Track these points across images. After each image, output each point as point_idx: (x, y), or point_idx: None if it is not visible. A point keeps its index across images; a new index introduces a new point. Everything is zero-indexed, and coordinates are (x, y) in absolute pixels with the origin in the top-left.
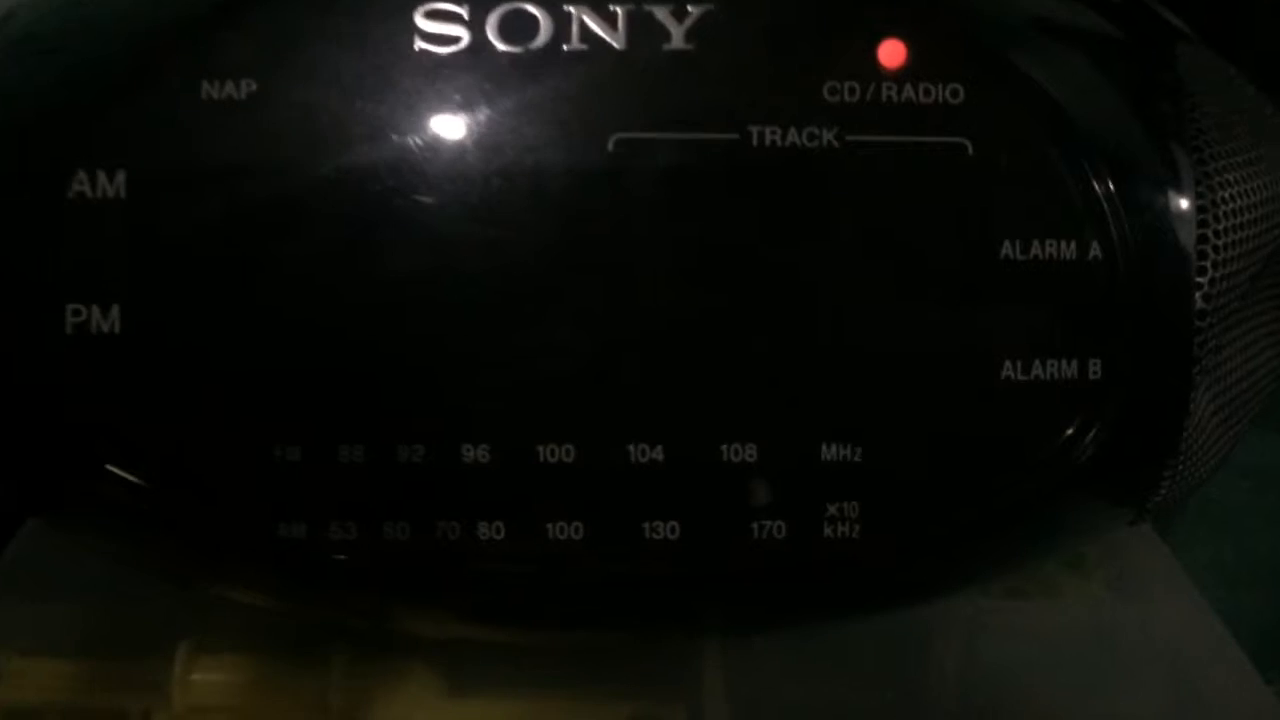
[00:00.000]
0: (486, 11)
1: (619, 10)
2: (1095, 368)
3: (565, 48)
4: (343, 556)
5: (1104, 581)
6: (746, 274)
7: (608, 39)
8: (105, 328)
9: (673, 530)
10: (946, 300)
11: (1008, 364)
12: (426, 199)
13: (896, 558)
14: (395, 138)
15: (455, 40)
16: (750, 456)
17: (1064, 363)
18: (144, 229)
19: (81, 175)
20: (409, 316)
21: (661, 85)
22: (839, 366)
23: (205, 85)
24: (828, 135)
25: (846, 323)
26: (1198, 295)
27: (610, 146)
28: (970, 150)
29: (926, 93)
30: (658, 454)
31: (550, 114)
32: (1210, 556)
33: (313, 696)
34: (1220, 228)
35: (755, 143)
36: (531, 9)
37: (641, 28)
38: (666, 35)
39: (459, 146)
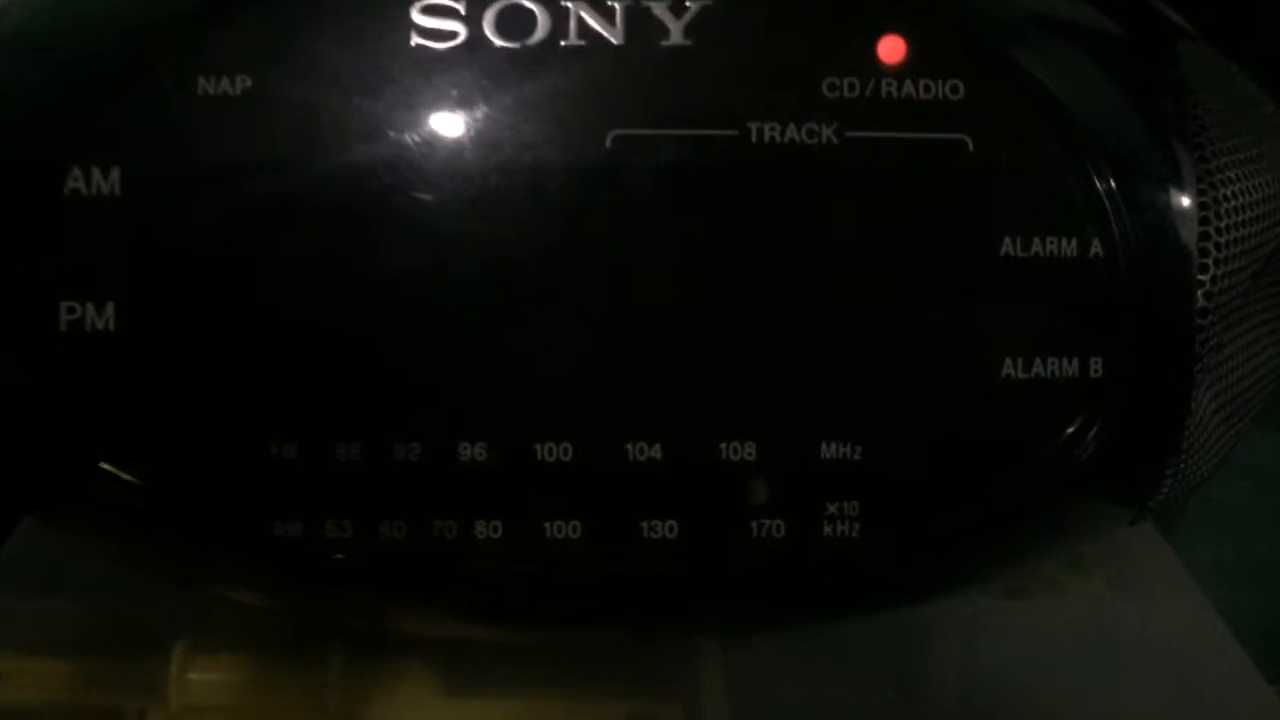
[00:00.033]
0: (484, 7)
1: (617, 6)
2: (1096, 366)
3: (563, 43)
4: (339, 555)
5: (1105, 580)
6: (745, 271)
7: (605, 34)
8: (100, 325)
9: (671, 529)
10: (947, 298)
11: (1008, 362)
12: (423, 196)
13: (897, 557)
14: (392, 134)
15: (452, 36)
16: (749, 455)
17: (1065, 361)
18: (139, 226)
19: (76, 172)
20: (405, 314)
21: (660, 81)
22: (838, 364)
23: (201, 81)
24: (827, 132)
25: (846, 320)
26: (1199, 293)
27: (608, 143)
28: (971, 147)
29: (927, 89)
30: (656, 452)
31: (548, 110)
32: (1211, 556)
33: (309, 696)
34: (1222, 225)
35: (754, 139)
36: (529, 4)
37: (639, 23)
38: (665, 31)
39: (456, 143)
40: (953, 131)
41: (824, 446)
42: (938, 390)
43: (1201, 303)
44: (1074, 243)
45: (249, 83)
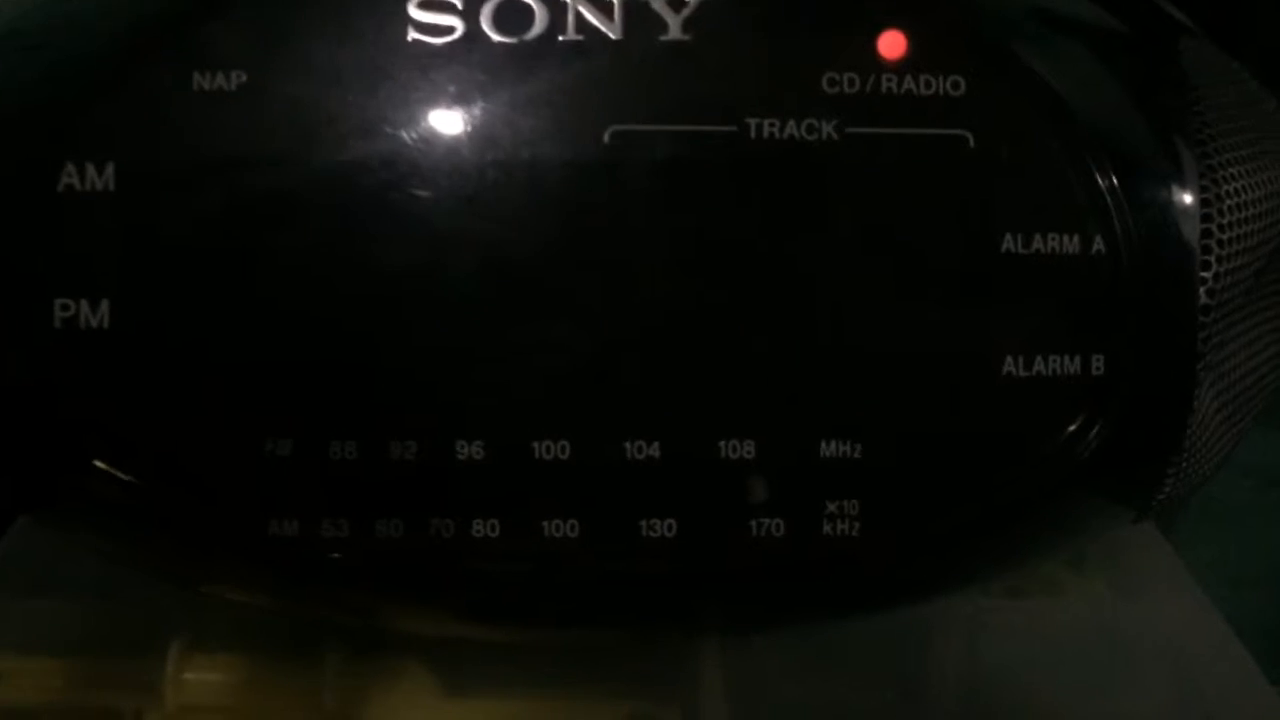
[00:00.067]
0: (481, 1)
1: (615, 0)
2: (1098, 363)
3: (561, 38)
4: (336, 554)
5: (1106, 580)
6: (744, 268)
7: (604, 29)
8: (94, 322)
9: (670, 528)
10: (947, 295)
11: (1009, 359)
12: (420, 192)
13: (897, 556)
14: (388, 130)
15: (449, 31)
16: (748, 453)
17: (1066, 358)
18: (133, 222)
19: (70, 168)
20: (402, 311)
21: (658, 77)
22: (838, 362)
23: (195, 77)
24: (827, 127)
25: (846, 317)
26: (1202, 290)
27: (606, 139)
28: (972, 143)
29: (927, 84)
30: (654, 450)
31: (546, 106)
32: (1213, 555)
33: (306, 696)
34: (1224, 222)
35: (753, 135)
36: None
37: (638, 18)
38: (663, 26)
39: (453, 139)
40: (954, 127)
41: (824, 445)
42: (938, 388)
43: (1204, 300)
44: (1075, 239)
45: (244, 78)
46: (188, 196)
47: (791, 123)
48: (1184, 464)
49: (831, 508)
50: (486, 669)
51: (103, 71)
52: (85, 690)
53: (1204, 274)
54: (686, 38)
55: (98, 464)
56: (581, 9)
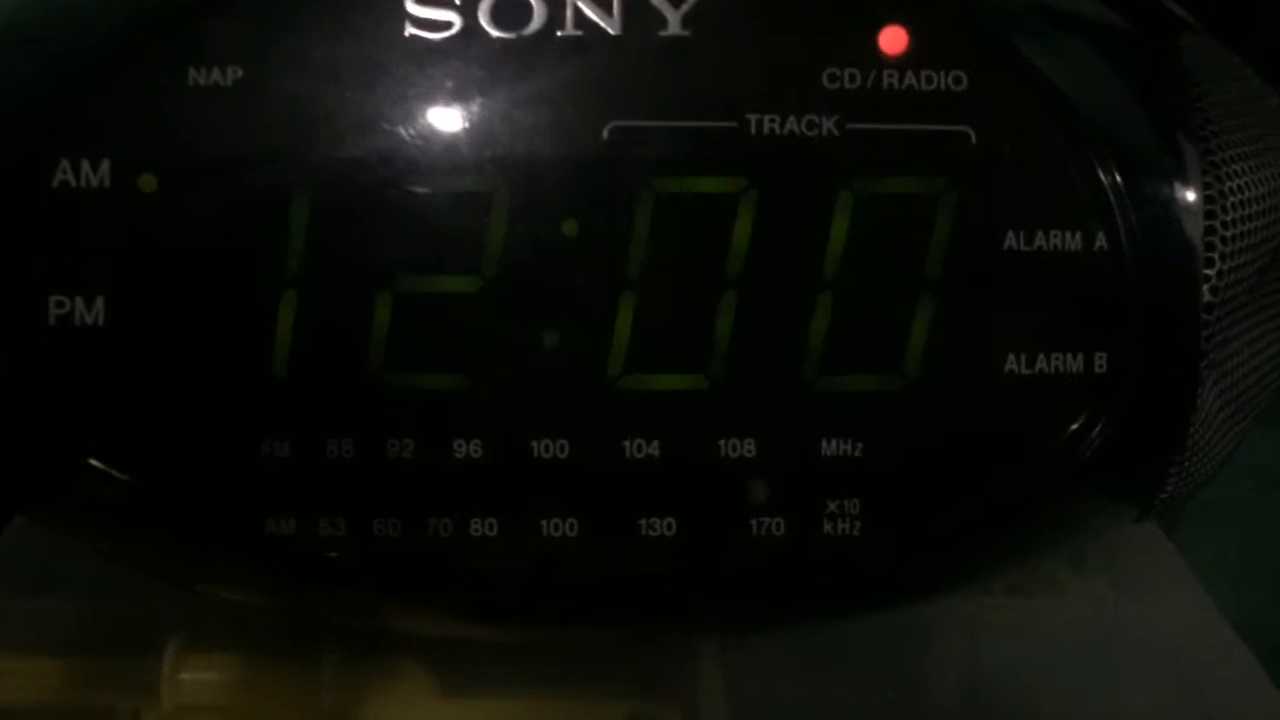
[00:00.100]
0: None
1: None
2: (1101, 361)
3: (559, 33)
4: (333, 553)
5: (1107, 579)
6: (744, 265)
7: (603, 25)
8: (89, 320)
9: (669, 527)
10: (949, 292)
11: (1011, 357)
12: (417, 189)
13: (898, 555)
14: (386, 126)
15: (447, 26)
16: (749, 452)
17: (1069, 356)
18: (129, 219)
19: (65, 164)
20: (399, 308)
21: (658, 72)
22: (839, 360)
23: (192, 72)
24: (828, 123)
25: (846, 315)
26: (1205, 288)
27: (605, 135)
28: (973, 139)
29: (929, 80)
30: (654, 449)
31: (544, 102)
32: (1214, 555)
33: (304, 695)
34: (1228, 219)
35: (754, 131)
36: None
37: (637, 13)
38: (663, 21)
39: (451, 135)
40: (955, 123)
41: (824, 443)
42: (939, 386)
43: (1207, 298)
44: (1078, 236)
45: (240, 73)
46: (183, 193)
47: (792, 118)
48: (1187, 463)
49: (832, 507)
50: (485, 669)
51: (100, 66)
52: (82, 690)
53: (1207, 271)
54: (686, 33)
55: (93, 462)
56: (580, 4)
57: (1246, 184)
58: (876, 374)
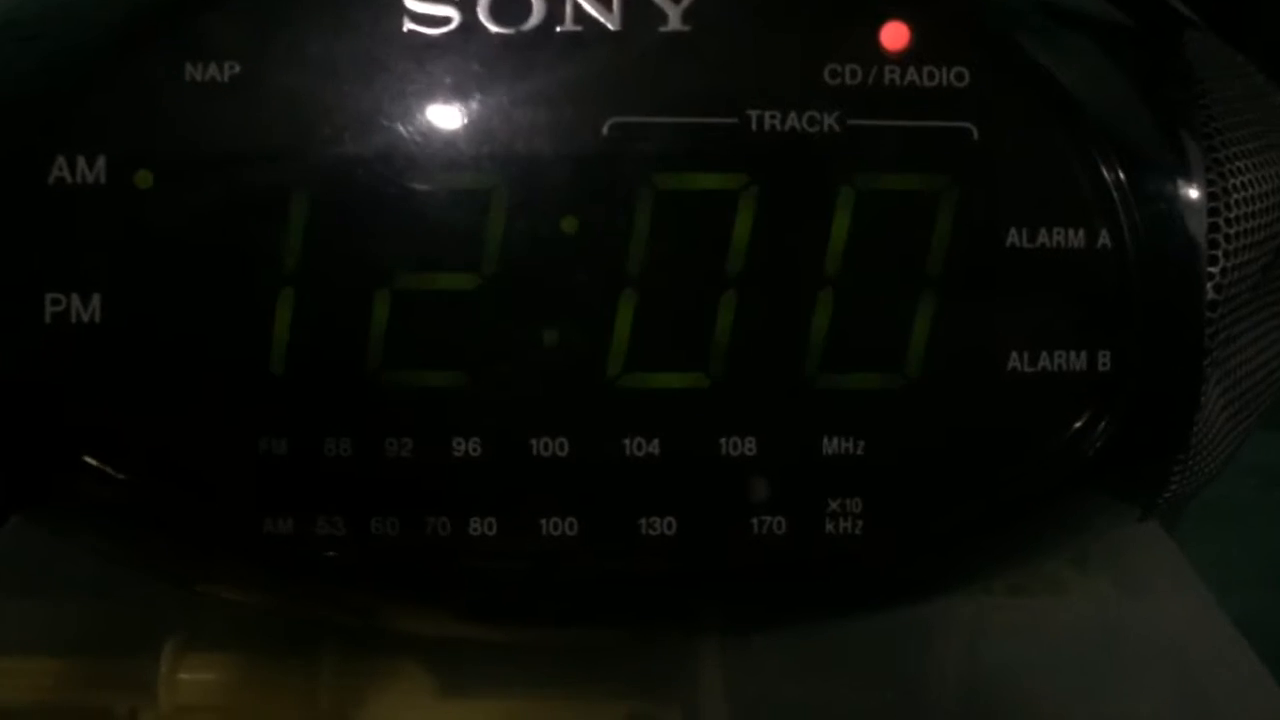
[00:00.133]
0: None
1: None
2: (1104, 359)
3: (559, 29)
4: (331, 553)
5: (1109, 579)
6: (745, 262)
7: (602, 20)
8: (86, 317)
9: (670, 526)
10: (951, 289)
11: (1014, 355)
12: (416, 185)
13: (900, 554)
14: (384, 122)
15: (445, 21)
16: (749, 450)
17: (1072, 354)
18: (125, 215)
19: (61, 161)
20: (398, 305)
21: (658, 68)
22: (840, 357)
23: (188, 68)
24: (829, 119)
25: (847, 312)
26: (1209, 285)
27: (605, 131)
28: (975, 135)
29: (931, 76)
30: (654, 448)
31: (543, 98)
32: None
33: (302, 696)
34: (1231, 216)
35: (754, 127)
36: None
37: (637, 9)
38: (663, 17)
39: (449, 131)
40: (957, 120)
41: (825, 442)
42: (942, 384)
43: (1211, 295)
44: (1081, 234)
45: (237, 69)
46: (180, 189)
47: (793, 114)
48: (1190, 461)
49: (833, 505)
50: (484, 669)
51: (97, 63)
52: (79, 690)
53: (1211, 269)
54: (686, 29)
55: (90, 461)
56: (580, 0)
57: (1250, 181)
58: (878, 372)
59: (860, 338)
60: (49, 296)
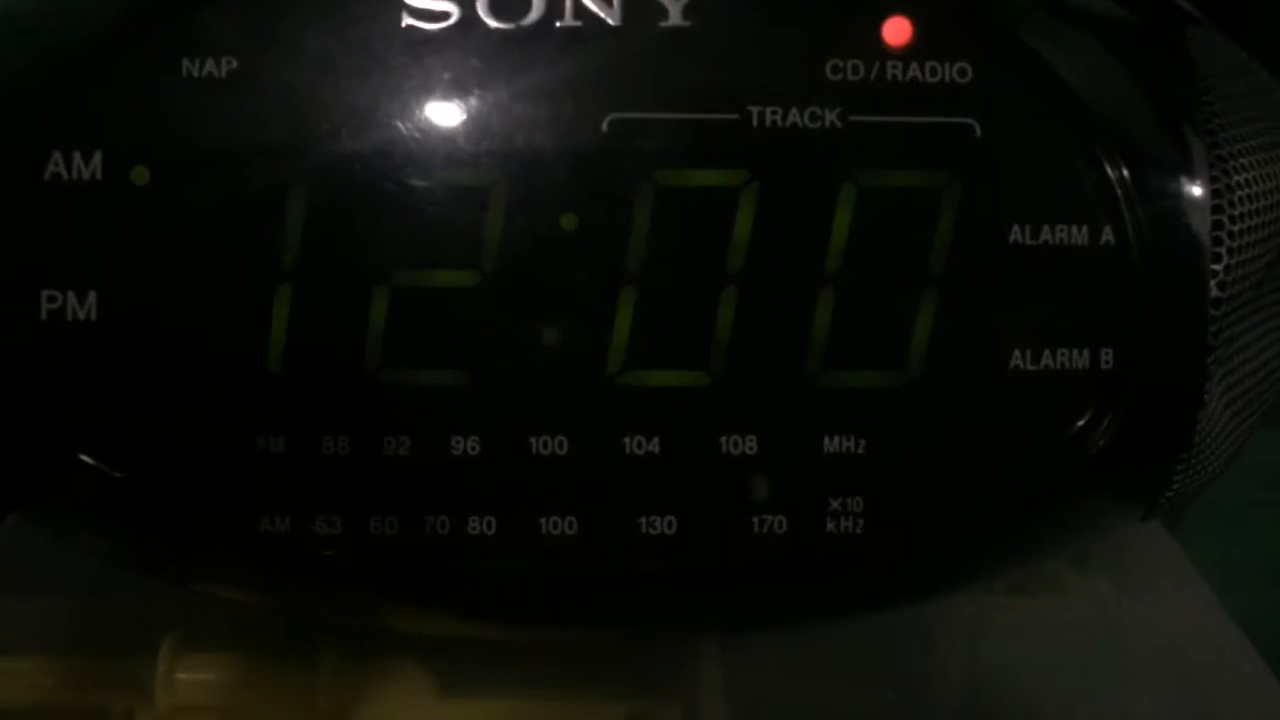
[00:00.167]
0: None
1: None
2: (1107, 357)
3: (558, 24)
4: (329, 552)
5: (1110, 578)
6: (746, 259)
7: (603, 15)
8: (82, 314)
9: (670, 525)
10: (953, 286)
11: (1017, 353)
12: (414, 181)
13: (901, 553)
14: (382, 118)
15: (444, 16)
16: (750, 449)
17: (1075, 352)
18: (121, 212)
19: (57, 156)
20: (396, 303)
21: (658, 64)
22: (841, 355)
23: (185, 63)
24: (830, 115)
25: (849, 310)
26: (1213, 283)
27: (605, 127)
28: (978, 131)
29: (933, 72)
30: (654, 446)
31: (543, 93)
32: (1218, 553)
33: (300, 696)
34: (1235, 213)
35: (755, 123)
36: None
37: (638, 4)
38: (664, 12)
39: (448, 127)
40: (959, 116)
41: (827, 440)
42: (944, 382)
43: (1214, 293)
44: (1084, 231)
45: (234, 64)
46: (176, 185)
47: (794, 110)
48: (1193, 460)
49: (835, 504)
50: (483, 668)
51: (93, 58)
52: (76, 690)
53: (1214, 266)
54: (687, 24)
55: (85, 459)
56: None
57: (1253, 178)
58: (880, 370)
59: (862, 335)
60: (45, 293)
